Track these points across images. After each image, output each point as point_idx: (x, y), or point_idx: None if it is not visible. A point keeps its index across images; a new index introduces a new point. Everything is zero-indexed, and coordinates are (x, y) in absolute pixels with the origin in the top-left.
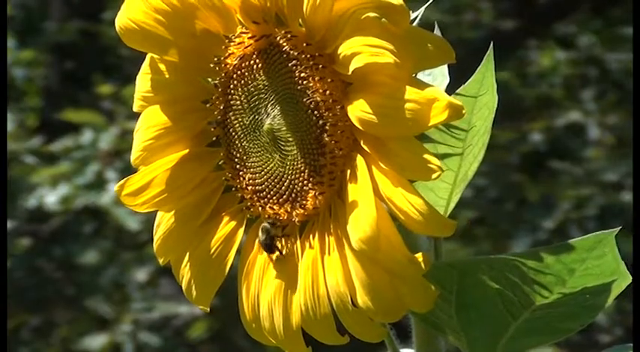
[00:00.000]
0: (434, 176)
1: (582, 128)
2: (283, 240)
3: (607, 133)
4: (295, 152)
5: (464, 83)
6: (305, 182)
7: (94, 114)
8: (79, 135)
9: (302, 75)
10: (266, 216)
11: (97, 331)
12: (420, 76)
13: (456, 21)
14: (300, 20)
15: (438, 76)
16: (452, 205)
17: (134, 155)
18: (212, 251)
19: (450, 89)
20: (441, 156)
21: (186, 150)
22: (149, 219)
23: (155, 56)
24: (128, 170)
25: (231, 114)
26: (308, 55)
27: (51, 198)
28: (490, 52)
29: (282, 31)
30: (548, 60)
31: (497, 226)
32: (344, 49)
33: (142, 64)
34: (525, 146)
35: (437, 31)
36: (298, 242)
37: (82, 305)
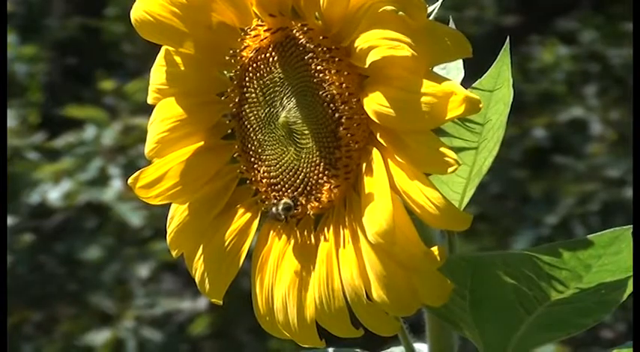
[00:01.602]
0: (450, 170)
1: (585, 124)
2: (297, 232)
3: (609, 129)
4: (311, 145)
5: (466, 77)
6: (320, 175)
7: (97, 110)
8: (82, 131)
9: (318, 68)
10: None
11: (100, 327)
12: (435, 69)
13: (459, 17)
14: (316, 13)
15: (453, 70)
16: (466, 200)
17: (148, 147)
18: (226, 244)
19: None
20: (457, 150)
21: (201, 143)
22: (152, 216)
23: (170, 48)
24: (131, 166)
25: (246, 106)
26: (324, 48)
27: (54, 194)
28: (506, 46)
29: (299, 24)
30: (550, 56)
31: (499, 222)
32: (361, 42)
33: (144, 59)
34: (528, 142)
35: (451, 24)
36: (313, 235)
37: (84, 301)
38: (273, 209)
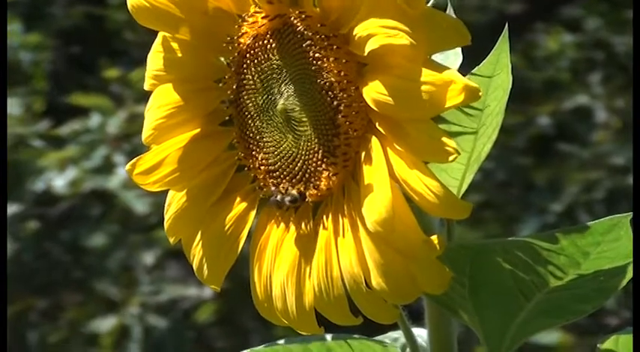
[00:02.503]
0: (450, 158)
1: (589, 112)
2: (296, 220)
3: (614, 117)
4: (309, 132)
5: (470, 65)
6: (319, 162)
7: (102, 98)
8: (87, 119)
9: (316, 55)
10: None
11: (105, 314)
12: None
13: (462, 4)
14: (314, 0)
15: (451, 55)
16: (465, 186)
17: (145, 134)
18: (224, 230)
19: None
20: (455, 136)
21: (198, 129)
22: (157, 203)
23: (167, 34)
24: (136, 153)
25: (244, 93)
26: (322, 36)
27: (59, 181)
28: (505, 33)
29: (297, 11)
30: (555, 43)
31: (504, 209)
32: (359, 30)
33: (148, 47)
34: (532, 129)
35: (450, 11)
36: (311, 223)
37: (89, 288)
38: (278, 197)
